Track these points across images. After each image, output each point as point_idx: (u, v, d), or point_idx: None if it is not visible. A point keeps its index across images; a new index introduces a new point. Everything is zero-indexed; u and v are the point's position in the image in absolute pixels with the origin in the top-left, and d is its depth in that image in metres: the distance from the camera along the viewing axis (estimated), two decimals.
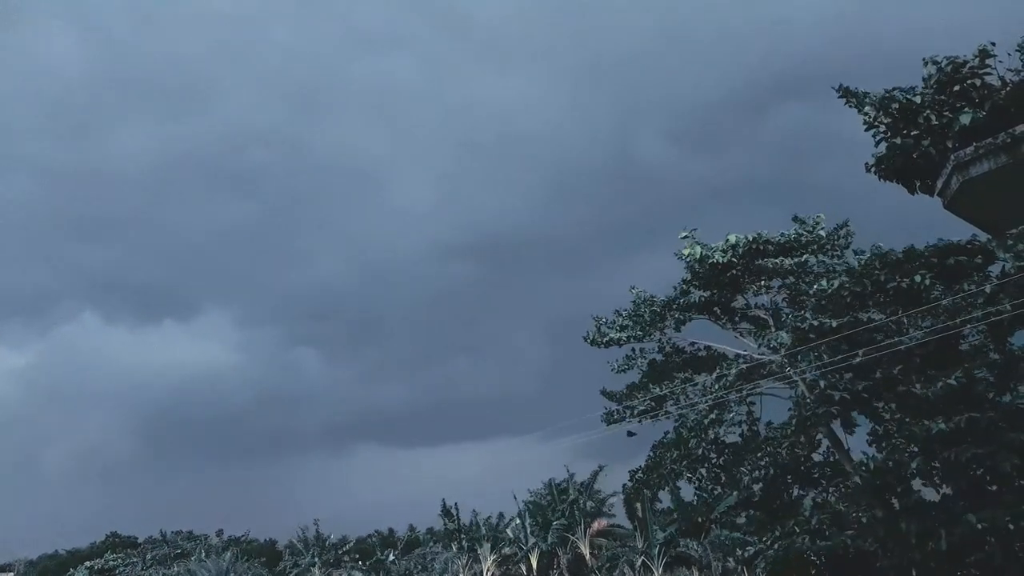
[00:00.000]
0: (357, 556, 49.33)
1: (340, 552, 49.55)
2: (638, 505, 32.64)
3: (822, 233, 18.22)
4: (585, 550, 34.49)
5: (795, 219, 18.94)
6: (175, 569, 40.30)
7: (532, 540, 35.45)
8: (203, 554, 46.25)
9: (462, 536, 39.02)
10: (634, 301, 20.45)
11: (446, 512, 40.03)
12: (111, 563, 45.31)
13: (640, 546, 32.52)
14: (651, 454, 21.25)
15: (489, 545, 37.79)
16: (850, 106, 9.56)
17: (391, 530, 54.61)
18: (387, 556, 47.38)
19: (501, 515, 37.98)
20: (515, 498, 37.40)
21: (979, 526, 11.98)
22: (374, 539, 51.48)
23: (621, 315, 20.66)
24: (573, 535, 34.87)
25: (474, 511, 39.25)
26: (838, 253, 18.08)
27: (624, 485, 22.93)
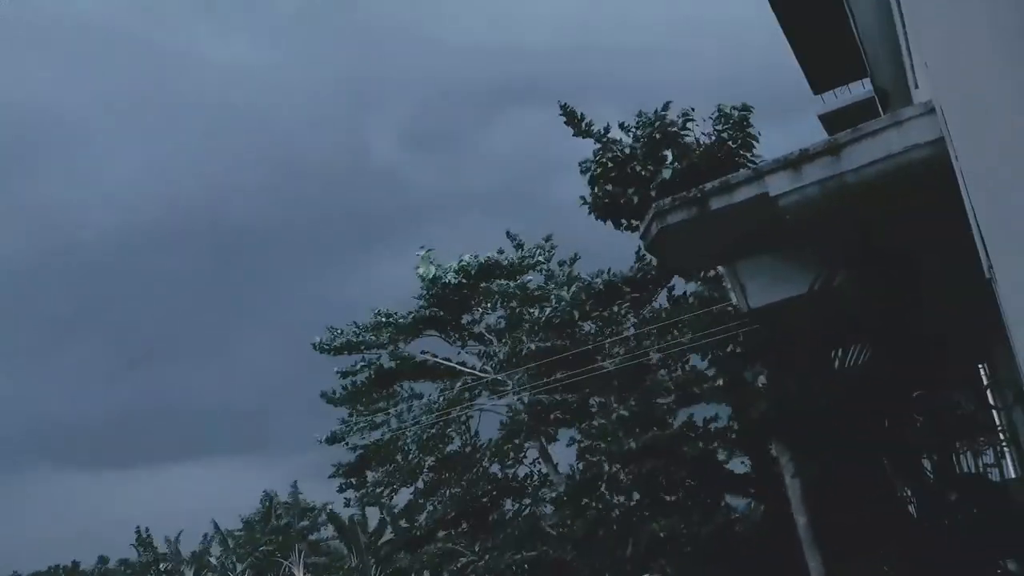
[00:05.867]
0: None
1: None
2: (348, 519, 32.09)
3: (540, 258, 19.40)
4: (299, 572, 33.06)
5: (508, 235, 19.83)
6: None
7: (240, 566, 33.13)
8: None
9: (160, 566, 35.29)
10: (376, 314, 20.16)
11: (141, 541, 35.95)
12: None
13: (355, 563, 31.98)
14: (362, 460, 20.89)
15: (192, 573, 34.64)
16: (570, 127, 10.27)
17: (75, 563, 47.58)
18: None
19: (206, 539, 35.02)
20: (215, 524, 34.70)
21: (661, 534, 13.52)
22: (54, 574, 44.45)
23: (359, 326, 20.29)
24: (287, 558, 33.24)
25: (172, 538, 35.69)
26: (545, 268, 19.20)
27: (343, 497, 22.10)
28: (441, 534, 21.36)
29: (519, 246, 19.55)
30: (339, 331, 20.18)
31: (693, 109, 9.34)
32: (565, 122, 10.54)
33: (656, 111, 9.33)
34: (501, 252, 19.43)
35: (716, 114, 9.77)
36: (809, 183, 4.46)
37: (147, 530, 36.09)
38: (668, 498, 14.85)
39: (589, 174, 8.67)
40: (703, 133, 8.99)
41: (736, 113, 9.67)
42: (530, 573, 20.39)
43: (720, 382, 14.16)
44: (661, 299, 16.18)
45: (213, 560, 34.32)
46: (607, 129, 9.64)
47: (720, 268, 6.83)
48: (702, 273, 11.36)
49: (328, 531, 34.19)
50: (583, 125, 10.19)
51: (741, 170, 5.37)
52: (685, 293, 15.00)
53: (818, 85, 7.33)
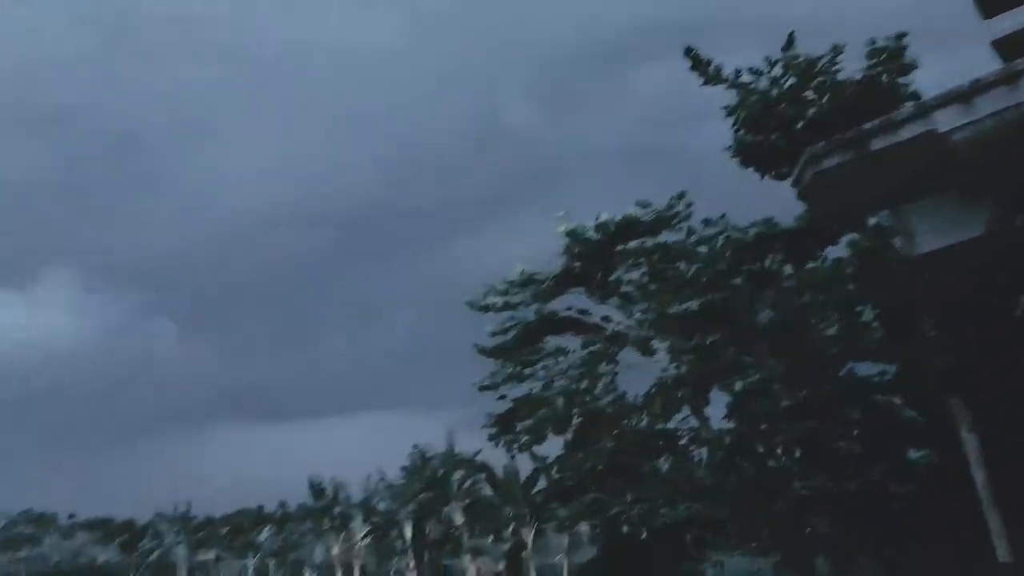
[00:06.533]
0: (227, 535, 47.52)
1: (207, 531, 47.62)
2: (503, 469, 33.34)
3: (679, 211, 18.79)
4: (458, 518, 34.93)
5: (638, 204, 19.35)
6: (24, 552, 37.30)
7: (403, 512, 35.47)
8: (54, 537, 43.10)
9: (334, 512, 38.47)
10: (520, 274, 20.65)
11: (316, 489, 39.29)
12: None
13: (510, 512, 33.32)
14: (513, 412, 21.47)
15: (361, 519, 37.50)
16: (698, 75, 9.69)
17: (260, 507, 52.93)
18: (259, 534, 45.94)
19: (373, 488, 37.72)
20: (378, 473, 37.20)
21: (802, 492, 13.08)
22: (244, 517, 49.72)
23: (507, 284, 20.89)
24: (445, 504, 35.17)
25: (341, 484, 38.75)
26: (686, 224, 18.44)
27: (489, 440, 22.83)
28: (592, 486, 21.73)
29: (651, 210, 19.08)
30: (490, 288, 20.87)
31: (846, 44, 8.64)
32: (691, 67, 9.97)
33: (792, 47, 8.64)
34: (647, 205, 19.03)
35: (869, 48, 8.97)
36: (983, 116, 4.10)
37: (320, 479, 39.43)
38: (828, 456, 14.25)
39: (733, 119, 8.28)
40: (855, 69, 8.30)
41: (892, 44, 8.79)
42: (683, 527, 20.39)
43: (886, 334, 13.31)
44: (829, 252, 15.20)
45: (380, 507, 36.95)
46: (738, 73, 9.06)
47: (882, 213, 6.40)
48: (861, 219, 10.65)
49: (481, 482, 35.80)
50: (711, 70, 9.60)
51: (905, 106, 4.99)
52: (847, 243, 14.08)
53: (988, 7, 6.54)
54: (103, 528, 51.82)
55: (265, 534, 46.27)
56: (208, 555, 50.69)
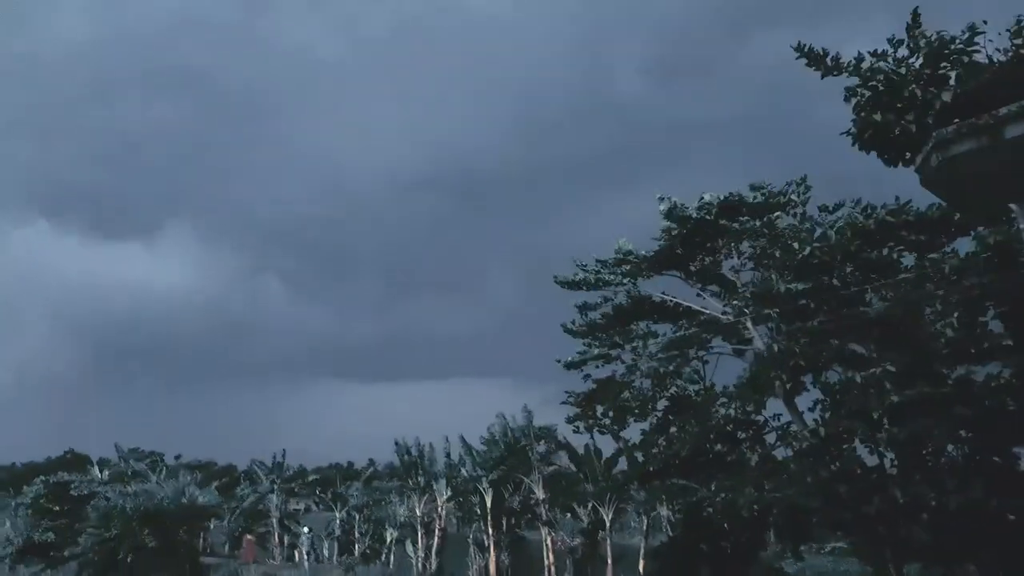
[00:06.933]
0: (318, 487, 49.90)
1: (300, 482, 50.09)
2: (585, 446, 33.43)
3: (795, 198, 18.01)
4: (539, 491, 35.35)
5: (752, 188, 18.60)
6: (132, 488, 40.31)
7: (485, 480, 36.16)
8: (162, 474, 46.37)
9: (419, 473, 39.65)
10: (616, 251, 20.30)
11: (404, 449, 40.54)
12: (65, 479, 45.22)
13: (590, 489, 33.43)
14: (595, 393, 21.26)
15: (444, 482, 38.51)
16: (813, 68, 9.14)
17: (351, 463, 55.32)
18: (348, 488, 47.99)
19: (458, 454, 38.63)
20: (462, 439, 37.93)
21: (901, 500, 12.47)
22: (334, 471, 52.15)
23: (600, 262, 20.60)
24: (528, 476, 35.63)
25: (429, 446, 39.79)
26: (800, 210, 17.65)
27: (568, 419, 22.67)
28: (675, 471, 21.49)
29: (764, 193, 18.31)
30: (583, 265, 20.64)
31: (985, 22, 8.00)
32: (806, 64, 9.44)
33: (918, 25, 7.99)
34: (760, 188, 18.30)
35: (1015, 26, 8.28)
36: None
37: (407, 440, 40.71)
38: (929, 462, 13.55)
39: (855, 100, 7.84)
40: (997, 49, 7.71)
41: None
42: (765, 520, 19.92)
43: (1009, 339, 12.46)
44: (960, 246, 14.23)
45: (464, 472, 37.85)
46: (860, 58, 8.51)
47: (1012, 206, 5.98)
48: (988, 212, 9.96)
49: (562, 457, 36.03)
50: (829, 61, 9.05)
51: None
52: (972, 235, 13.17)
53: None
54: (205, 471, 55.39)
55: (353, 489, 48.25)
56: (299, 505, 53.40)
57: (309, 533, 44.66)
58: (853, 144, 7.81)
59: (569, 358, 21.17)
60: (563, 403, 21.75)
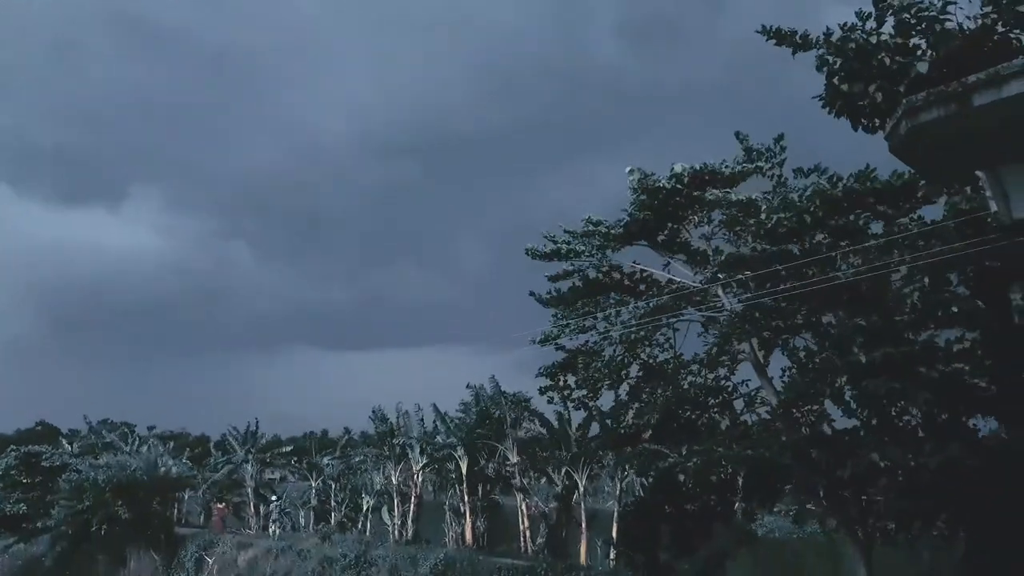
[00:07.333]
0: (293, 456, 49.82)
1: (275, 452, 49.96)
2: (558, 414, 33.76)
3: (767, 163, 17.94)
4: (513, 457, 35.69)
5: (737, 136, 18.40)
6: (103, 459, 39.99)
7: (459, 446, 36.41)
8: (134, 445, 46.00)
9: (394, 441, 39.75)
10: (585, 222, 20.22)
11: (378, 417, 40.58)
12: (36, 450, 44.69)
13: (564, 455, 33.87)
14: (567, 362, 21.25)
15: (419, 450, 38.70)
16: (781, 46, 9.11)
17: (325, 432, 55.21)
18: (323, 458, 47.98)
19: (433, 421, 38.78)
20: (434, 407, 38.04)
21: (882, 464, 12.75)
22: (308, 440, 52.04)
23: (569, 233, 20.51)
24: (501, 443, 35.93)
25: (403, 415, 39.87)
26: (777, 173, 17.57)
27: (540, 390, 22.63)
28: (646, 436, 21.78)
29: (748, 149, 18.13)
30: (552, 237, 20.55)
31: None
32: (776, 44, 9.38)
33: None
34: (745, 139, 18.06)
35: None
36: None
37: (382, 408, 40.74)
38: (898, 423, 13.86)
39: (826, 68, 7.83)
40: (967, 16, 7.72)
41: None
42: (737, 475, 20.31)
43: (974, 302, 12.71)
44: (926, 213, 14.39)
45: (439, 439, 38.04)
46: (828, 33, 8.50)
47: (979, 173, 6.04)
48: (956, 180, 10.08)
49: (533, 424, 36.32)
50: (798, 40, 9.01)
51: (1016, 60, 4.66)
52: (945, 203, 13.33)
53: None
54: (178, 441, 55.03)
55: (328, 459, 48.30)
56: (274, 475, 53.36)
57: (278, 502, 44.73)
58: (824, 107, 7.83)
59: (542, 334, 21.08)
60: (538, 375, 21.67)
